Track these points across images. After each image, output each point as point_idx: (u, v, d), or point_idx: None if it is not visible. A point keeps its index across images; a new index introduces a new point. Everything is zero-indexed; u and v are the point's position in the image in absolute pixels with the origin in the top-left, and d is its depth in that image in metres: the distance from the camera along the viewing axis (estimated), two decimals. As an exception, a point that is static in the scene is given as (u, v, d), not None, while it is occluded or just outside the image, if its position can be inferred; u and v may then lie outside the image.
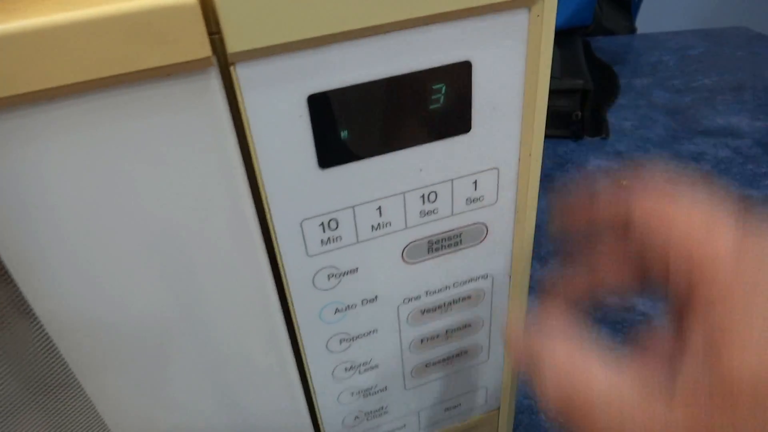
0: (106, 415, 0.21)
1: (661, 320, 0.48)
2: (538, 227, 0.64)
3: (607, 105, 0.82)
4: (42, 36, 0.13)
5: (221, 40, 0.15)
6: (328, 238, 0.20)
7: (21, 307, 0.19)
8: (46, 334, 0.20)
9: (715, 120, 0.80)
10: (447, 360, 0.27)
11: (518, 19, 0.18)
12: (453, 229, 0.22)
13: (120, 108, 0.15)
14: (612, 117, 0.81)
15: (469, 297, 0.25)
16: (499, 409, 0.31)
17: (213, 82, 0.16)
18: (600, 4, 1.08)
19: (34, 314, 0.19)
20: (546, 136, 0.70)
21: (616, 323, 0.49)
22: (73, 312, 0.18)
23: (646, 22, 1.15)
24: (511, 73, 0.19)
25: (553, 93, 0.74)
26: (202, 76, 0.15)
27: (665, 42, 1.08)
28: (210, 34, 0.15)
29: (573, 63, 0.78)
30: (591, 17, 0.90)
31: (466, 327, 0.26)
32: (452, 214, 0.22)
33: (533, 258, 0.56)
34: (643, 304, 0.51)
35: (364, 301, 0.23)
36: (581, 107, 0.74)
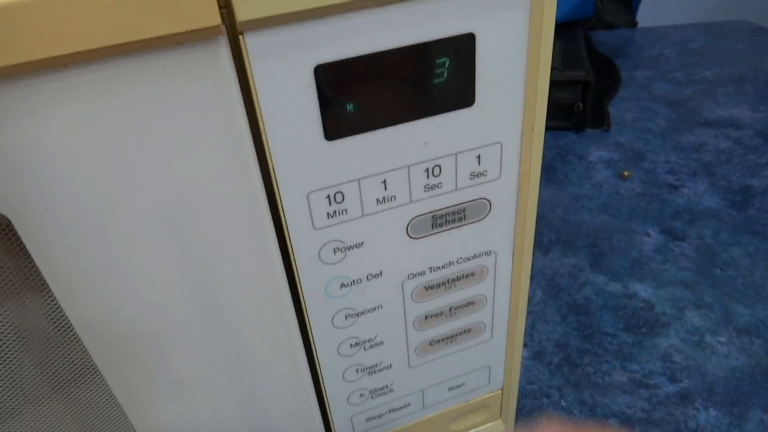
0: (115, 388, 0.22)
1: (662, 307, 0.48)
2: (541, 216, 0.64)
3: (609, 97, 0.83)
4: (59, 2, 0.13)
5: (231, 12, 0.15)
6: (334, 212, 0.20)
7: (36, 283, 0.20)
8: (62, 312, 0.20)
9: (716, 111, 0.81)
10: (451, 338, 0.27)
11: (521, -9, 0.18)
12: (457, 204, 0.22)
13: (130, 76, 0.15)
14: (613, 109, 0.82)
15: (472, 274, 0.25)
16: (502, 389, 0.32)
17: (222, 50, 0.16)
18: (601, -2, 1.08)
19: (49, 291, 0.20)
20: (547, 128, 0.71)
21: (617, 310, 0.50)
22: (85, 286, 0.18)
23: (646, 15, 1.16)
24: (514, 46, 0.19)
25: (554, 84, 0.75)
26: (211, 44, 0.16)
27: (666, 35, 1.08)
28: (220, 7, 0.15)
29: (574, 55, 0.79)
30: (592, 10, 0.91)
31: (469, 304, 0.26)
32: (456, 189, 0.22)
33: (536, 247, 0.57)
34: (645, 291, 0.51)
35: (369, 276, 0.23)
36: (583, 99, 0.75)
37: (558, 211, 0.62)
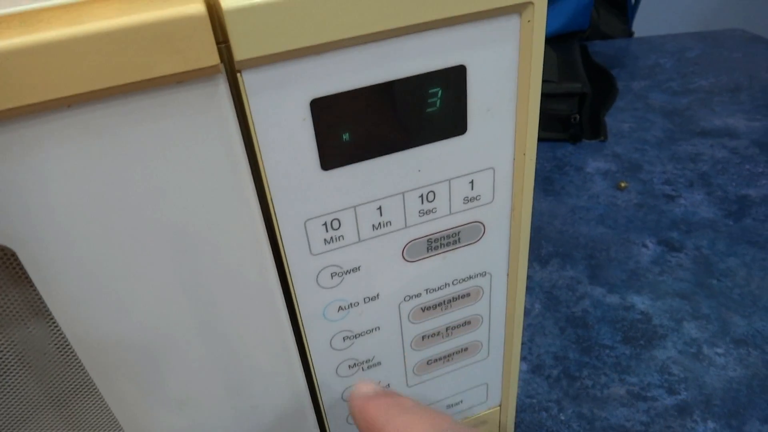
0: (114, 406, 0.22)
1: (660, 318, 0.49)
2: (539, 229, 0.65)
3: (605, 108, 0.83)
4: (65, 46, 0.14)
5: (228, 49, 0.16)
6: (331, 237, 0.21)
7: (38, 309, 0.20)
8: (63, 335, 0.21)
9: (713, 121, 0.81)
10: (448, 357, 0.28)
11: (510, 24, 0.19)
12: (451, 228, 0.23)
13: (132, 114, 0.16)
14: (610, 119, 0.82)
15: (468, 294, 0.26)
16: (500, 406, 0.32)
17: (221, 88, 0.16)
18: (597, 9, 1.09)
19: (51, 316, 0.20)
20: (544, 139, 0.71)
21: (615, 322, 0.50)
22: (86, 311, 0.19)
23: (642, 25, 1.16)
24: (505, 76, 0.20)
25: (551, 96, 0.76)
26: (210, 82, 0.16)
27: (662, 45, 1.09)
28: (218, 43, 0.16)
29: (570, 67, 0.79)
30: (588, 22, 0.92)
31: (465, 324, 0.27)
32: (450, 213, 0.22)
33: (534, 259, 0.57)
34: (642, 303, 0.52)
35: (366, 299, 0.23)
36: (579, 110, 0.75)
37: (556, 223, 0.63)
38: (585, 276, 0.55)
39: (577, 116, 0.75)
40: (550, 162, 0.74)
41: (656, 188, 0.67)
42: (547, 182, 0.70)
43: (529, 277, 0.54)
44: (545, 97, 0.72)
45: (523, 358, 0.47)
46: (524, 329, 0.30)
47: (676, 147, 0.76)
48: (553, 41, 0.89)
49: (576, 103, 0.75)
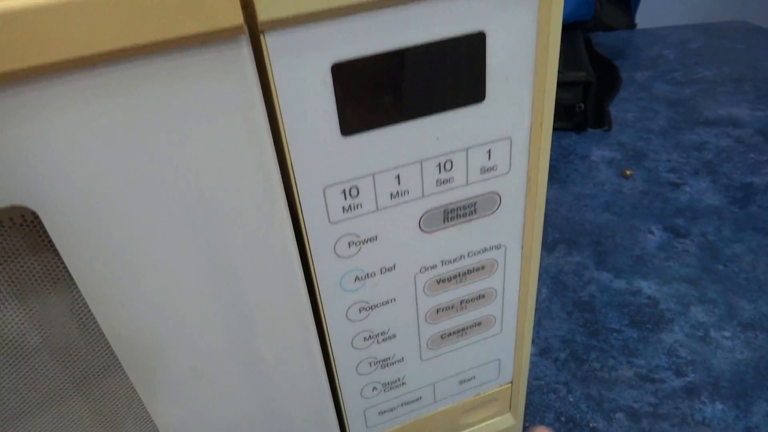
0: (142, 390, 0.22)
1: (667, 303, 0.49)
2: (545, 216, 0.65)
3: (609, 98, 0.83)
4: (90, 3, 0.14)
5: (252, 10, 0.16)
6: (350, 206, 0.21)
7: (60, 277, 0.20)
8: (85, 305, 0.21)
9: (716, 111, 0.81)
10: (461, 331, 0.28)
11: (529, -10, 0.19)
12: (468, 198, 0.23)
13: (155, 74, 0.16)
14: (614, 109, 0.82)
15: (482, 267, 0.26)
16: (512, 383, 0.32)
17: (244, 50, 0.16)
18: (600, 1, 1.09)
19: (77, 291, 0.20)
20: (550, 127, 0.69)
21: (622, 306, 0.50)
22: (108, 279, 0.19)
23: (645, 17, 1.16)
24: (523, 44, 0.20)
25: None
26: (234, 44, 0.16)
27: (665, 37, 1.09)
28: (242, 5, 0.16)
29: (574, 56, 0.79)
30: (591, 12, 0.92)
31: (480, 297, 0.27)
32: (467, 183, 0.22)
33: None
34: (649, 288, 0.52)
35: (383, 270, 0.23)
36: (584, 99, 0.75)
37: (562, 211, 0.63)
38: (591, 261, 0.55)
39: (582, 105, 0.75)
40: (555, 151, 0.74)
41: (661, 176, 0.68)
42: (552, 170, 0.70)
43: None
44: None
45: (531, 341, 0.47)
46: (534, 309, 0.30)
47: (680, 136, 0.76)
48: (556, 31, 0.88)
49: (580, 92, 0.75)
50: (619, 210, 0.62)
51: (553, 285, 0.53)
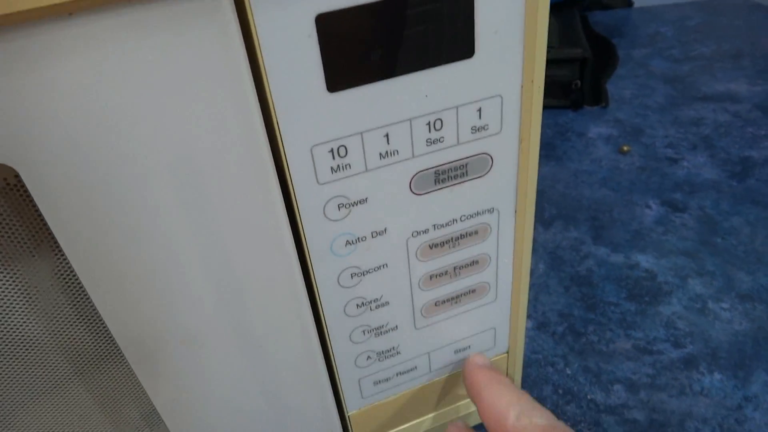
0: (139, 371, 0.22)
1: (664, 276, 0.49)
2: (541, 192, 0.64)
3: (606, 75, 0.83)
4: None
5: (231, -43, 0.16)
6: (338, 166, 0.21)
7: (43, 240, 0.20)
8: (71, 268, 0.21)
9: (714, 87, 0.81)
10: (456, 298, 0.28)
11: (518, -62, 0.18)
12: (459, 159, 0.23)
13: (134, 25, 0.16)
14: (611, 86, 0.82)
15: (476, 232, 0.25)
16: (508, 352, 0.32)
17: (224, 1, 0.16)
18: (596, -22, 1.08)
19: (63, 257, 0.20)
20: (545, 107, 0.71)
21: (620, 280, 0.50)
22: (93, 239, 0.19)
23: (642, -5, 1.15)
24: (512, -4, 0.20)
25: (551, 62, 0.75)
26: (213, -8, 0.16)
27: (662, 14, 1.08)
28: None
29: (571, 33, 0.79)
30: (588, -10, 0.90)
31: (473, 264, 0.27)
32: (458, 143, 0.22)
33: (537, 221, 0.57)
34: (647, 261, 0.52)
35: (374, 234, 0.23)
36: (580, 76, 0.75)
37: (558, 187, 0.63)
38: (589, 236, 0.55)
39: (578, 82, 0.75)
40: (551, 128, 0.74)
41: (659, 152, 0.67)
42: (548, 148, 0.70)
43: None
44: (546, 63, 0.71)
45: (528, 316, 0.47)
46: (529, 287, 0.30)
47: (678, 112, 0.75)
48: (553, 9, 0.88)
49: (577, 68, 0.74)
50: (616, 186, 0.62)
51: (551, 260, 0.53)
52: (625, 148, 0.67)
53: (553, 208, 0.59)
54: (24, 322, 0.22)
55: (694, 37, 0.97)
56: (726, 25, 1.01)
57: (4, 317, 0.21)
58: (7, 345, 0.22)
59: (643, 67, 0.88)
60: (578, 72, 0.74)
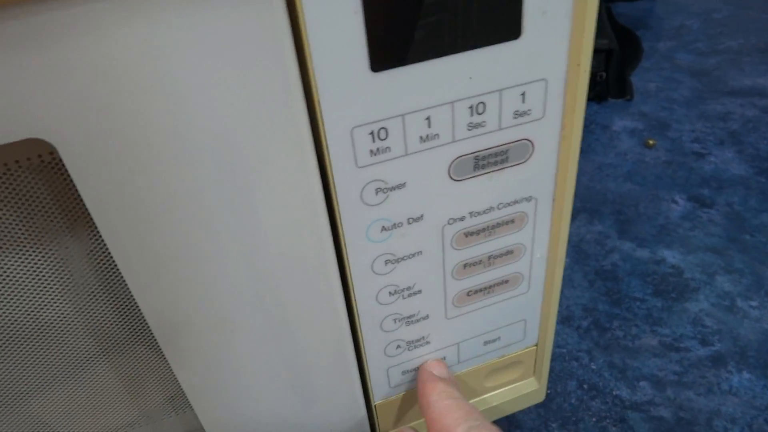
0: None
1: (691, 272, 0.48)
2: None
3: (631, 67, 0.81)
4: None
5: (279, -73, 0.15)
6: (378, 149, 0.20)
7: (79, 217, 0.20)
8: (105, 247, 0.20)
9: (742, 81, 0.79)
10: (488, 289, 0.27)
11: None
12: (499, 145, 0.22)
13: (177, 2, 0.15)
14: (636, 79, 0.80)
15: (512, 221, 0.25)
16: (537, 345, 0.31)
17: (271, -29, 0.15)
18: (621, -31, 1.06)
19: (93, 224, 0.20)
20: (571, 96, 0.67)
21: (646, 275, 0.49)
22: (129, 219, 0.18)
23: (667, -13, 1.13)
24: (564, -26, 0.19)
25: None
26: (260, -37, 0.15)
27: (688, 6, 1.06)
28: None
29: (596, 24, 0.77)
30: (613, -20, 0.89)
31: (508, 253, 0.26)
32: (499, 128, 0.21)
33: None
34: (673, 257, 0.51)
35: (410, 220, 0.23)
36: (606, 68, 0.73)
37: (583, 180, 0.62)
38: (614, 231, 0.54)
39: (603, 74, 0.74)
40: (574, 121, 0.73)
41: (685, 146, 0.66)
42: (572, 141, 0.69)
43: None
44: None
45: (552, 310, 0.46)
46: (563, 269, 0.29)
47: (704, 106, 0.74)
48: None
49: (602, 60, 0.73)
50: (641, 180, 0.61)
51: (575, 254, 0.52)
52: (651, 142, 0.66)
53: (577, 201, 0.58)
54: (55, 300, 0.22)
55: (720, 30, 0.95)
56: (754, 18, 0.99)
57: (36, 295, 0.21)
58: (37, 323, 0.22)
59: (669, 60, 0.87)
60: (603, 64, 0.73)
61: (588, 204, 0.58)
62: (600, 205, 0.58)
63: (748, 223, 0.54)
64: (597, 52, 0.72)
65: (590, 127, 0.71)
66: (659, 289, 0.48)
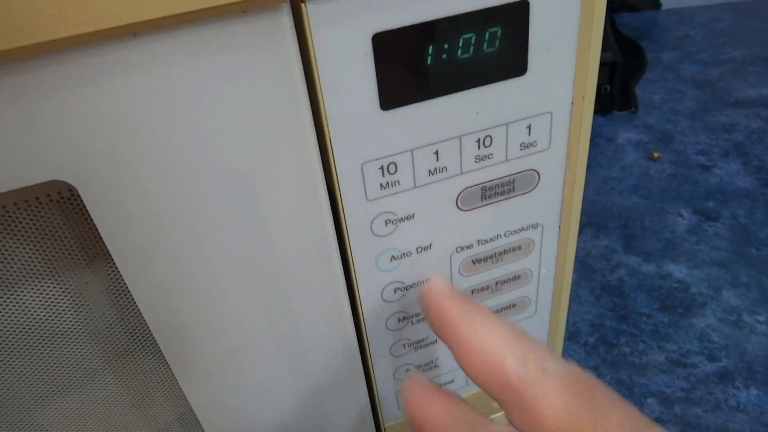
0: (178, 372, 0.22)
1: (698, 287, 0.48)
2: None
3: (635, 79, 0.81)
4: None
5: (292, -23, 0.16)
6: (387, 183, 0.21)
7: (98, 253, 0.20)
8: (123, 282, 0.21)
9: (747, 91, 0.79)
10: (496, 313, 0.27)
11: (576, -45, 0.18)
12: (506, 176, 0.22)
13: (194, 44, 0.16)
14: (640, 91, 0.81)
15: (519, 247, 0.25)
16: (544, 366, 0.32)
17: (284, 18, 0.16)
18: (625, -20, 1.06)
19: (114, 267, 0.20)
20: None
21: (652, 290, 0.49)
22: (147, 253, 0.19)
23: (671, -3, 1.14)
24: (568, 13, 0.19)
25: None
26: (275, 13, 0.16)
27: (691, 16, 1.07)
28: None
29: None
30: (616, -8, 0.89)
31: (515, 279, 0.26)
32: (506, 160, 0.22)
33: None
34: (680, 271, 0.51)
35: (419, 249, 0.23)
36: (610, 81, 0.74)
37: (588, 194, 0.62)
38: (619, 245, 0.54)
39: (608, 87, 0.74)
40: (579, 133, 0.73)
41: (690, 158, 0.66)
42: (577, 153, 0.69)
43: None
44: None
45: (559, 326, 0.46)
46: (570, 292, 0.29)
47: (709, 117, 0.74)
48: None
49: (606, 73, 0.73)
50: (647, 193, 0.61)
51: (581, 269, 0.52)
52: (656, 155, 0.66)
53: (582, 216, 0.59)
54: (72, 330, 0.22)
55: (724, 40, 0.96)
56: (758, 28, 0.99)
57: (53, 326, 0.22)
58: (58, 361, 0.22)
59: (673, 71, 0.87)
60: (608, 76, 0.74)
61: (594, 218, 0.58)
62: (606, 219, 0.58)
63: (754, 237, 0.54)
64: (601, 65, 0.72)
65: (595, 140, 0.71)
66: (666, 304, 0.48)
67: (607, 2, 0.67)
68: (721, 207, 0.58)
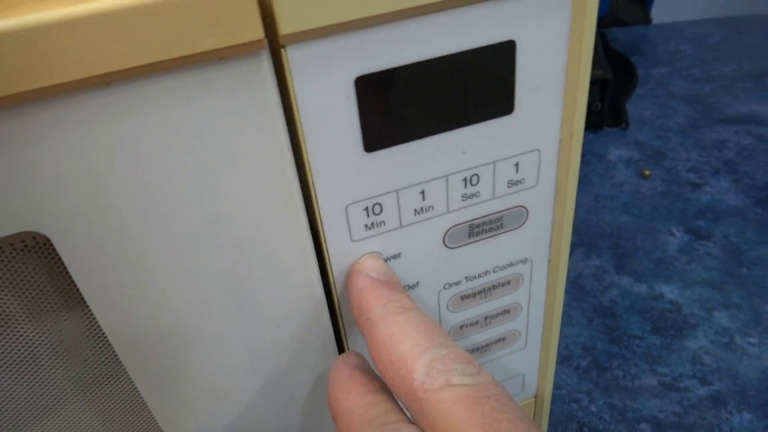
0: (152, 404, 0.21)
1: (690, 308, 0.48)
2: (562, 218, 0.62)
3: (626, 95, 0.82)
4: (105, 20, 0.13)
5: (272, 23, 0.15)
6: (372, 223, 0.20)
7: (73, 299, 0.20)
8: (98, 326, 0.20)
9: (736, 107, 0.80)
10: (485, 347, 0.27)
11: (562, -4, 0.18)
12: (494, 213, 0.22)
13: (171, 92, 0.15)
14: (631, 107, 0.81)
15: (508, 282, 0.25)
16: (536, 397, 0.31)
17: (264, 64, 0.16)
18: (615, -5, 1.07)
19: (86, 305, 0.20)
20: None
21: (644, 312, 0.49)
22: (122, 300, 0.18)
23: (661, 12, 1.14)
24: (555, 52, 0.19)
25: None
26: (254, 59, 0.15)
27: (682, 31, 1.07)
28: (262, 19, 0.15)
29: (591, 53, 0.78)
30: (607, 7, 0.90)
31: (504, 313, 0.26)
32: (493, 197, 0.22)
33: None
34: (671, 292, 0.51)
35: (406, 287, 0.23)
36: (601, 98, 0.74)
37: (579, 212, 0.62)
38: (611, 265, 0.54)
39: (599, 104, 0.74)
40: (571, 150, 0.73)
41: (681, 176, 0.66)
42: (568, 171, 0.69)
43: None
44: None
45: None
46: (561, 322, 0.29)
47: (699, 134, 0.74)
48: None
49: (597, 90, 0.74)
50: (638, 212, 0.61)
51: (573, 290, 0.52)
52: (647, 173, 0.66)
53: (573, 235, 0.58)
54: (52, 373, 0.21)
55: (714, 55, 0.96)
56: (748, 44, 1.00)
57: (31, 369, 0.21)
58: (33, 395, 0.22)
59: (663, 86, 0.87)
60: (599, 93, 0.74)
61: (585, 237, 0.58)
62: (597, 239, 0.58)
63: (745, 256, 0.54)
64: (592, 82, 0.72)
65: (586, 157, 0.71)
66: (658, 326, 0.48)
67: (598, 18, 0.67)
68: (712, 226, 0.58)
